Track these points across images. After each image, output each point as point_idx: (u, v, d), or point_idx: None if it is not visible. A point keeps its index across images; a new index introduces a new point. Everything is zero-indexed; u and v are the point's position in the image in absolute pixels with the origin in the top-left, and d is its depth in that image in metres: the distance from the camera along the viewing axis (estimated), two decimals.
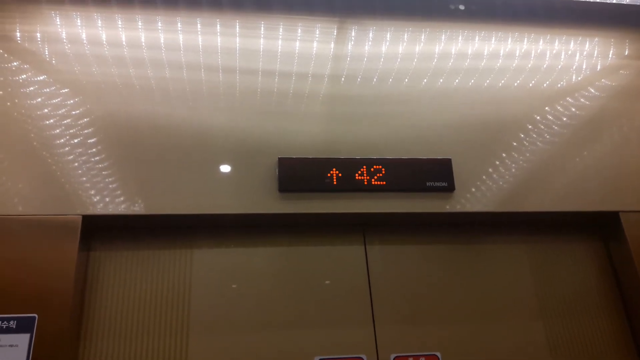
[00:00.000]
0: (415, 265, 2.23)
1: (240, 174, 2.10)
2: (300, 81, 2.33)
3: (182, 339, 1.96)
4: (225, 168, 2.10)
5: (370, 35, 2.48)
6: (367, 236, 2.25)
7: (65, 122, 2.06)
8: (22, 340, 1.71)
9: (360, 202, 2.12)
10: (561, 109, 2.45)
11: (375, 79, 2.39)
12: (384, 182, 2.15)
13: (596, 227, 2.41)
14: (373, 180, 2.14)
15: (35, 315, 1.75)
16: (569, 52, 2.61)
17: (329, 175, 2.12)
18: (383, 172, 2.16)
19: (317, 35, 2.43)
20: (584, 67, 2.58)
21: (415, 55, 2.47)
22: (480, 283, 2.23)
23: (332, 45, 2.43)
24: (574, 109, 2.46)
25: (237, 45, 2.34)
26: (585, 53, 2.62)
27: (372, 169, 2.16)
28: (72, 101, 2.11)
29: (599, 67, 2.59)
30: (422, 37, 2.52)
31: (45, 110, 2.07)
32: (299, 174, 2.11)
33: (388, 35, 2.49)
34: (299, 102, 2.29)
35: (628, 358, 2.17)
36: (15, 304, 1.76)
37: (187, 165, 2.08)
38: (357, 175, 2.14)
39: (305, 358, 1.99)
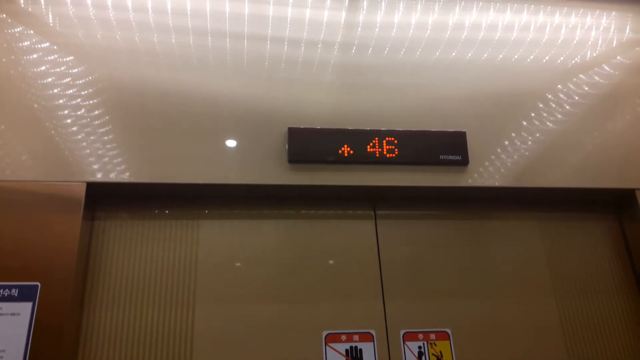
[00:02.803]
0: (427, 240, 2.18)
1: (249, 143, 2.04)
2: (310, 49, 2.25)
3: (189, 310, 1.92)
4: (233, 137, 2.04)
5: (383, 3, 2.40)
6: (377, 210, 2.19)
7: (68, 87, 1.99)
8: (25, 308, 1.66)
9: (371, 174, 2.06)
10: (576, 84, 2.38)
11: (387, 49, 2.31)
12: (396, 155, 2.09)
13: (611, 204, 2.36)
14: (385, 152, 2.08)
15: (38, 284, 1.70)
16: (586, 26, 2.53)
17: (340, 146, 2.06)
18: (395, 144, 2.10)
19: (328, 2, 2.35)
20: (600, 42, 2.50)
21: (428, 25, 2.39)
22: (493, 260, 2.18)
23: (344, 12, 2.35)
24: (588, 85, 2.39)
25: (246, 10, 2.26)
26: (602, 27, 2.55)
27: (384, 141, 2.09)
28: (75, 66, 2.03)
29: (614, 43, 2.52)
30: (436, 6, 2.43)
31: (48, 75, 1.99)
32: (309, 144, 2.05)
33: (401, 4, 2.41)
34: (309, 70, 2.21)
35: None
36: (18, 273, 1.71)
37: (194, 134, 2.01)
38: (368, 147, 2.08)
39: (314, 332, 1.95)
